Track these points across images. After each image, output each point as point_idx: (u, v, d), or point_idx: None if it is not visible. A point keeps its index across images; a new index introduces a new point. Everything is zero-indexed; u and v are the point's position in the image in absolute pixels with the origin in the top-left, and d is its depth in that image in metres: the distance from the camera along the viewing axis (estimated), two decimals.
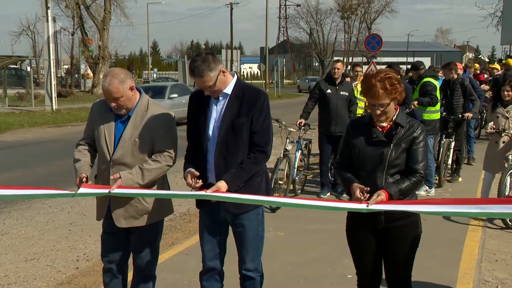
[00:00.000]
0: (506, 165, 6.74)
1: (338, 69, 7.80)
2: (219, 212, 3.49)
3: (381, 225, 3.26)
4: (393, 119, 3.22)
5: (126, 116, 3.48)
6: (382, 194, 3.05)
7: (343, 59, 64.41)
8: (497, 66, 15.00)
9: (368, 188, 3.06)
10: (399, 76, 8.73)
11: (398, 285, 3.38)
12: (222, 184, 3.29)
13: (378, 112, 3.17)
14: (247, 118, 3.35)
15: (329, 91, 7.79)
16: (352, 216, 3.36)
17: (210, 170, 3.43)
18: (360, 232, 3.34)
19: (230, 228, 3.62)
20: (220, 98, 3.41)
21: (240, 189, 3.35)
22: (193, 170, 3.36)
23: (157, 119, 3.48)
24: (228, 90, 3.39)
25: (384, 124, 3.23)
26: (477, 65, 16.13)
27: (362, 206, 3.04)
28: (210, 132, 3.41)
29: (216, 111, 3.42)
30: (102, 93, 3.45)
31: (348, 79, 8.57)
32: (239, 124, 3.35)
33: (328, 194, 8.04)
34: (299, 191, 8.17)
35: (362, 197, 3.05)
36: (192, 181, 3.30)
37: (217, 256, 3.58)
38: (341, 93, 7.78)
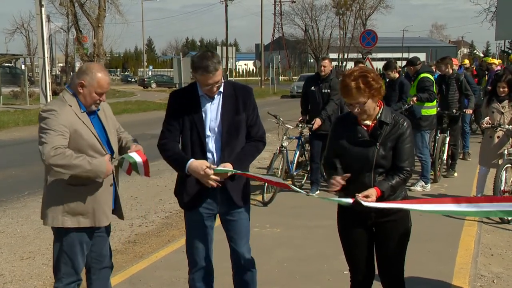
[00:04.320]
0: (500, 160, 6.77)
1: (324, 66, 7.71)
2: (206, 209, 3.51)
3: (371, 220, 3.27)
4: (377, 117, 3.19)
5: (94, 112, 3.47)
6: (373, 195, 3.06)
7: (338, 55, 64.52)
8: (495, 61, 14.83)
9: (349, 174, 3.13)
10: (396, 71, 8.66)
11: (391, 280, 3.39)
12: (228, 166, 3.35)
13: (356, 110, 3.14)
14: (245, 114, 3.47)
15: (312, 88, 7.76)
16: (343, 212, 3.36)
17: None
18: (351, 229, 3.35)
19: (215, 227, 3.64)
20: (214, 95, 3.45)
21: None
22: (205, 162, 3.34)
23: (109, 110, 3.65)
24: (220, 88, 3.44)
25: (369, 123, 3.19)
26: (466, 61, 16.15)
27: (351, 200, 3.07)
28: (208, 130, 3.43)
29: (211, 110, 3.43)
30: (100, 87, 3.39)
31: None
32: (239, 120, 3.45)
33: (318, 192, 7.90)
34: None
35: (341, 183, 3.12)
36: (208, 170, 3.29)
37: (207, 255, 3.58)
38: (324, 90, 7.68)
